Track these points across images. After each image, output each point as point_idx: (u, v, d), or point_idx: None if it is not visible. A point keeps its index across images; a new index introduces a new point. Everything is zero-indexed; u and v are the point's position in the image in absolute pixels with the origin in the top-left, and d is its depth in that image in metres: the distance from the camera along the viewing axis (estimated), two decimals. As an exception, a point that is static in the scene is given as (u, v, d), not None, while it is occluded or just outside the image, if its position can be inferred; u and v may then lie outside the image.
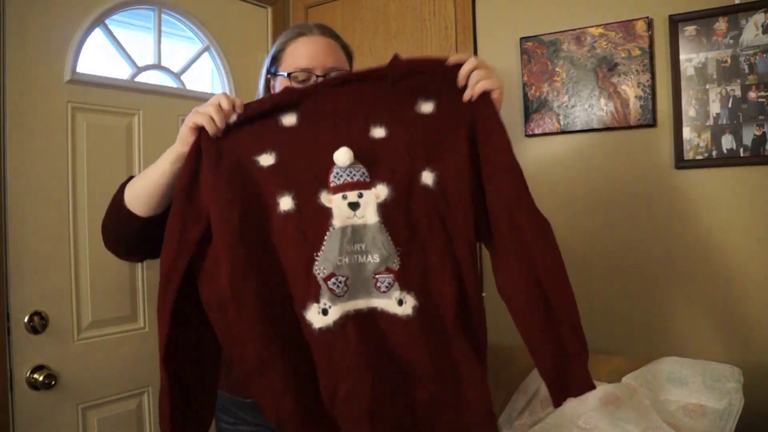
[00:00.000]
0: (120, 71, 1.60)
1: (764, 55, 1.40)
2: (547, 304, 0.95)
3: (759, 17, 1.40)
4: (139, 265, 1.57)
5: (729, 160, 1.44)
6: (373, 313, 0.89)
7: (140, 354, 1.56)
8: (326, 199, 0.90)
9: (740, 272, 1.45)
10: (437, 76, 1.00)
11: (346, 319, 0.87)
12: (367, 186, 0.91)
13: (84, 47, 1.49)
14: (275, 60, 1.17)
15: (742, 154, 1.43)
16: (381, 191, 0.91)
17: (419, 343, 0.89)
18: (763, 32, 1.40)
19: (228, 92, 1.82)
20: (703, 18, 1.46)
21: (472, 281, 0.95)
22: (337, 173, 0.91)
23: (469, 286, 0.95)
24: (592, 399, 0.96)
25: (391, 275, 0.89)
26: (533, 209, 0.99)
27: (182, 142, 0.95)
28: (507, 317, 1.81)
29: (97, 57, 1.57)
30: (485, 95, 0.97)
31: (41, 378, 1.34)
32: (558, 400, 0.92)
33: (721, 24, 1.44)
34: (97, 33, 1.54)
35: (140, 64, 1.63)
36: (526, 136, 1.71)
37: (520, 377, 1.16)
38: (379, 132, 0.96)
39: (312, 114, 0.96)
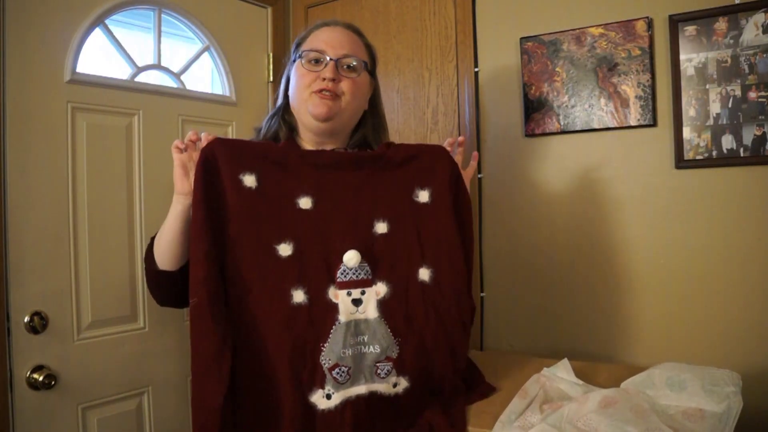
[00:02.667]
0: (120, 71, 1.60)
1: (764, 55, 1.40)
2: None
3: (759, 17, 1.40)
4: (139, 265, 1.57)
5: (729, 160, 1.44)
6: (372, 396, 1.00)
7: (140, 354, 1.56)
8: (333, 294, 1.01)
9: (740, 273, 1.45)
10: (430, 158, 1.15)
11: (346, 404, 0.97)
12: (369, 284, 1.03)
13: (84, 47, 1.49)
14: (297, 48, 1.20)
15: (742, 154, 1.43)
16: (381, 289, 1.03)
17: (402, 412, 1.02)
18: (763, 32, 1.40)
19: (228, 92, 1.82)
20: (703, 18, 1.46)
21: (462, 356, 1.10)
22: (344, 271, 1.02)
23: (461, 360, 1.10)
24: (592, 401, 0.96)
25: (390, 363, 1.01)
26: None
27: (177, 189, 1.04)
28: (506, 322, 1.83)
29: (97, 57, 1.57)
30: (464, 195, 1.15)
31: (41, 378, 1.34)
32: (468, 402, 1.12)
33: (721, 24, 1.44)
34: (97, 33, 1.54)
35: (140, 64, 1.63)
36: (526, 136, 1.71)
37: (520, 382, 1.17)
38: (381, 227, 1.07)
39: (325, 196, 1.06)
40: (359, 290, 1.01)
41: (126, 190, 1.56)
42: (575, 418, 0.93)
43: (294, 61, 1.19)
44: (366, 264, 1.03)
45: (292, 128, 1.21)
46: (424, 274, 1.08)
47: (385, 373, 1.01)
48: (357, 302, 1.01)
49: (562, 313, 1.67)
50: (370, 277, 1.03)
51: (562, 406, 1.00)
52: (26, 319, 1.34)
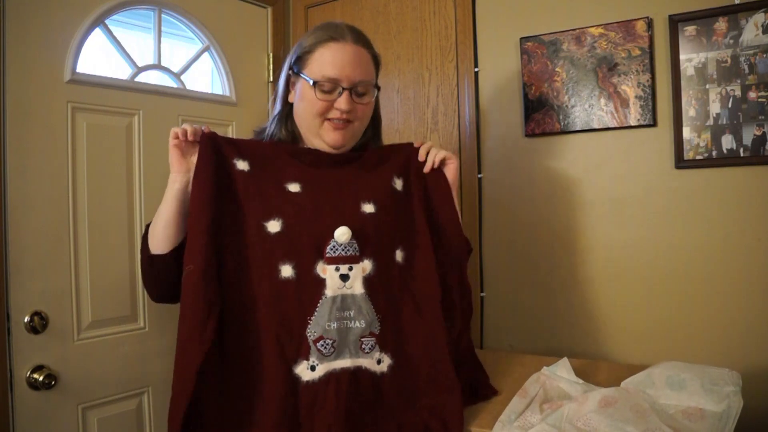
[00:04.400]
0: (120, 71, 1.60)
1: (764, 55, 1.40)
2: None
3: (759, 17, 1.40)
4: (139, 264, 1.57)
5: (729, 160, 1.44)
6: (358, 371, 1.02)
7: (140, 354, 1.56)
8: (321, 269, 1.04)
9: (740, 273, 1.45)
10: (405, 155, 1.23)
11: (330, 376, 1.00)
12: (357, 260, 1.06)
13: (84, 47, 1.49)
14: (300, 60, 1.15)
15: (742, 154, 1.43)
16: (367, 266, 1.06)
17: (390, 397, 1.04)
18: (763, 32, 1.40)
19: (228, 92, 1.82)
20: (703, 18, 1.46)
21: (441, 336, 1.10)
22: (334, 246, 1.05)
23: (439, 340, 1.10)
24: (592, 401, 0.96)
25: (373, 338, 1.04)
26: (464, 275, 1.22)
27: (175, 168, 1.09)
28: (506, 321, 1.83)
29: (97, 57, 1.58)
30: (438, 171, 1.22)
31: (41, 378, 1.34)
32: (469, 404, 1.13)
33: (721, 24, 1.44)
34: (97, 33, 1.54)
35: (140, 64, 1.63)
36: (526, 136, 1.71)
37: (520, 381, 1.17)
38: (368, 207, 1.11)
39: (312, 184, 1.11)
40: (347, 266, 1.05)
41: (126, 190, 1.56)
42: (575, 418, 0.93)
43: (297, 73, 1.15)
44: (354, 241, 1.06)
45: (294, 137, 1.21)
46: (399, 255, 1.12)
47: (369, 348, 1.04)
48: (344, 277, 1.04)
49: (562, 312, 1.67)
50: (357, 253, 1.06)
51: (562, 406, 1.00)
52: (26, 319, 1.34)
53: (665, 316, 1.53)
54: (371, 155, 1.21)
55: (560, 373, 1.17)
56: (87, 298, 1.46)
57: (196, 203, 1.02)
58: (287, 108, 1.21)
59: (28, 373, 1.34)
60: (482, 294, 1.78)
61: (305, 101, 1.13)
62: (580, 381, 1.14)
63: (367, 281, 1.05)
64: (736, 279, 1.45)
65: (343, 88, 1.10)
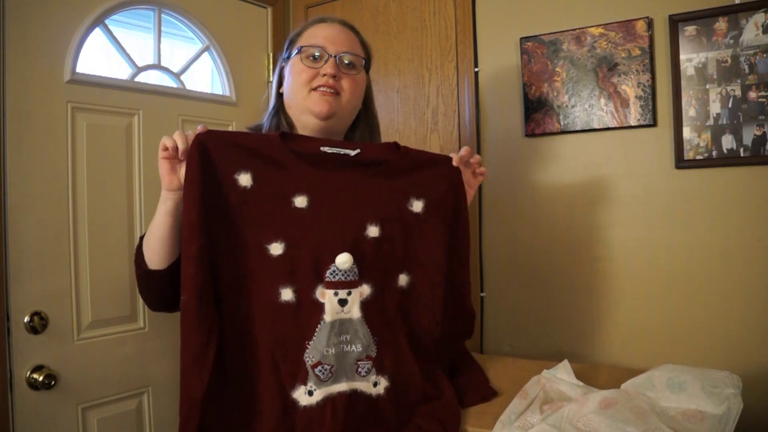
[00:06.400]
0: (120, 71, 1.60)
1: (764, 55, 1.40)
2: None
3: (759, 17, 1.40)
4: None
5: (729, 160, 1.44)
6: (353, 394, 1.01)
7: (140, 354, 1.56)
8: (320, 293, 1.01)
9: (740, 273, 1.45)
10: (435, 171, 1.15)
11: (326, 401, 0.98)
12: (356, 285, 1.03)
13: (84, 47, 1.49)
14: (291, 44, 1.18)
15: (742, 154, 1.43)
16: (365, 290, 1.04)
17: (386, 416, 1.03)
18: (763, 32, 1.40)
19: (228, 92, 1.82)
20: (703, 18, 1.46)
21: (432, 359, 1.13)
22: (334, 271, 1.02)
23: (434, 362, 1.13)
24: (592, 402, 0.96)
25: (369, 362, 1.03)
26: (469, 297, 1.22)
27: (165, 185, 1.01)
28: (506, 322, 1.83)
29: (97, 57, 1.58)
30: (462, 189, 1.16)
31: (41, 378, 1.34)
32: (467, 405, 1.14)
33: (721, 24, 1.44)
34: (97, 33, 1.54)
35: (140, 64, 1.63)
36: (526, 136, 1.71)
37: (520, 383, 1.17)
38: (373, 231, 1.07)
39: (321, 196, 1.04)
40: (346, 291, 1.02)
41: (126, 190, 1.56)
42: (575, 419, 0.93)
43: (288, 57, 1.18)
44: (355, 266, 1.03)
45: (290, 127, 1.20)
46: (402, 280, 1.10)
47: (366, 372, 1.02)
48: (343, 302, 1.02)
49: (562, 313, 1.67)
50: (357, 278, 1.03)
51: (562, 407, 1.00)
52: (26, 319, 1.34)
53: (665, 315, 1.53)
54: (400, 161, 1.11)
55: (560, 376, 1.17)
56: (87, 298, 1.46)
57: (186, 228, 0.95)
58: (280, 100, 1.21)
59: (28, 373, 1.34)
60: (482, 294, 1.78)
61: (293, 75, 1.15)
62: (580, 383, 1.13)
63: (364, 305, 1.04)
64: (736, 279, 1.45)
65: (330, 55, 1.12)
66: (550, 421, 0.95)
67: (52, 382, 1.36)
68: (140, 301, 1.58)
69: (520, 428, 0.97)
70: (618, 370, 1.31)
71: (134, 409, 1.57)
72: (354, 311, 1.03)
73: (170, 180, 0.99)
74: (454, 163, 1.16)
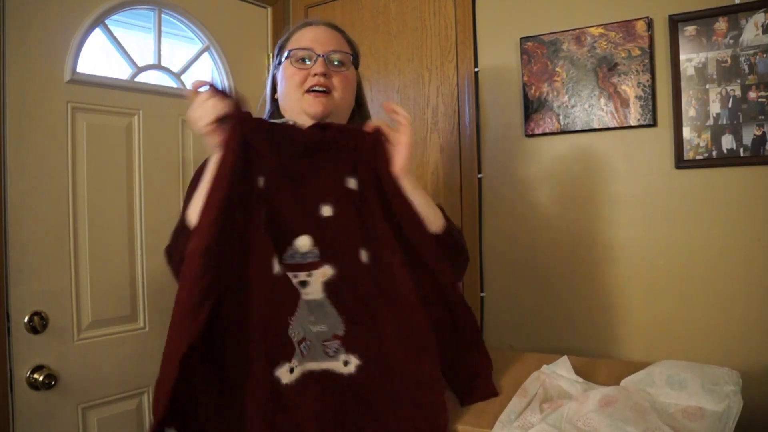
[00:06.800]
0: (120, 71, 1.60)
1: (764, 55, 1.40)
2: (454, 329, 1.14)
3: (759, 17, 1.40)
4: (140, 265, 1.57)
5: (729, 160, 1.44)
6: (326, 374, 1.00)
7: (140, 354, 1.56)
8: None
9: (740, 273, 1.45)
10: (354, 145, 1.13)
11: (304, 377, 0.98)
12: (317, 266, 1.03)
13: (84, 47, 1.49)
14: (280, 51, 1.21)
15: (742, 154, 1.43)
16: (327, 271, 1.03)
17: (363, 396, 1.01)
18: (763, 32, 1.40)
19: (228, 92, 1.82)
20: (703, 18, 1.46)
21: (422, 333, 1.06)
22: (292, 254, 1.03)
23: (418, 330, 1.06)
24: (591, 400, 0.96)
25: (337, 341, 1.02)
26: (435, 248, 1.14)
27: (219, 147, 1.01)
28: (506, 321, 1.83)
29: (97, 57, 1.58)
30: (387, 164, 1.11)
31: (41, 378, 1.34)
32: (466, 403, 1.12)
33: (721, 24, 1.44)
34: (97, 33, 1.54)
35: (140, 64, 1.63)
36: (526, 136, 1.71)
37: (520, 380, 1.16)
38: (327, 210, 1.08)
39: (276, 181, 1.05)
40: (305, 273, 1.03)
41: (126, 190, 1.56)
42: (575, 418, 0.93)
43: (279, 63, 1.21)
44: (315, 248, 1.04)
45: None
46: (364, 256, 1.09)
47: (334, 351, 1.02)
48: (304, 284, 1.02)
49: (562, 312, 1.67)
50: (318, 260, 1.04)
51: (561, 405, 1.00)
52: (26, 319, 1.34)
53: (665, 315, 1.53)
54: (332, 142, 1.11)
55: (560, 372, 1.16)
56: (87, 298, 1.46)
57: (217, 177, 0.96)
58: (275, 106, 1.24)
59: (28, 373, 1.34)
60: (482, 294, 1.78)
61: (285, 79, 1.17)
62: (580, 380, 1.13)
63: (328, 285, 1.03)
64: (736, 279, 1.45)
65: (318, 55, 1.14)
66: (550, 421, 0.95)
67: (53, 382, 1.36)
68: (140, 301, 1.58)
69: (520, 428, 0.97)
70: (618, 365, 1.31)
71: (134, 409, 1.57)
72: (317, 292, 1.02)
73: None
74: (368, 129, 1.13)
